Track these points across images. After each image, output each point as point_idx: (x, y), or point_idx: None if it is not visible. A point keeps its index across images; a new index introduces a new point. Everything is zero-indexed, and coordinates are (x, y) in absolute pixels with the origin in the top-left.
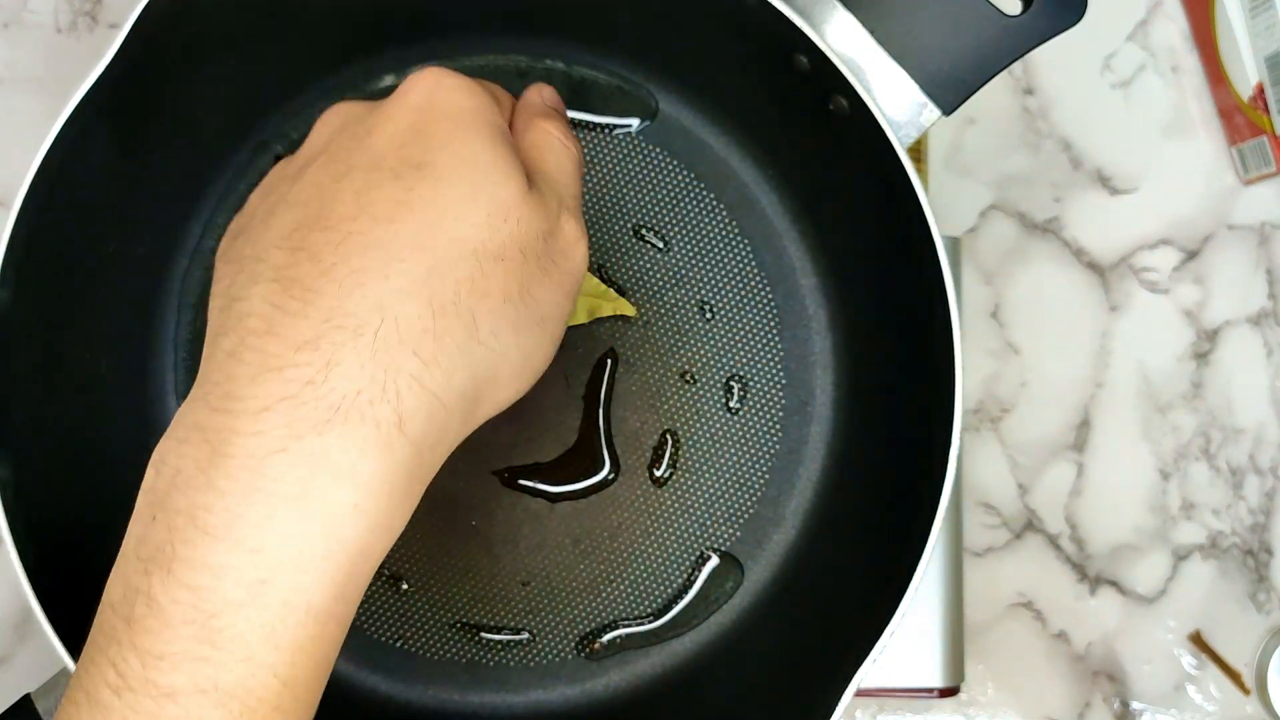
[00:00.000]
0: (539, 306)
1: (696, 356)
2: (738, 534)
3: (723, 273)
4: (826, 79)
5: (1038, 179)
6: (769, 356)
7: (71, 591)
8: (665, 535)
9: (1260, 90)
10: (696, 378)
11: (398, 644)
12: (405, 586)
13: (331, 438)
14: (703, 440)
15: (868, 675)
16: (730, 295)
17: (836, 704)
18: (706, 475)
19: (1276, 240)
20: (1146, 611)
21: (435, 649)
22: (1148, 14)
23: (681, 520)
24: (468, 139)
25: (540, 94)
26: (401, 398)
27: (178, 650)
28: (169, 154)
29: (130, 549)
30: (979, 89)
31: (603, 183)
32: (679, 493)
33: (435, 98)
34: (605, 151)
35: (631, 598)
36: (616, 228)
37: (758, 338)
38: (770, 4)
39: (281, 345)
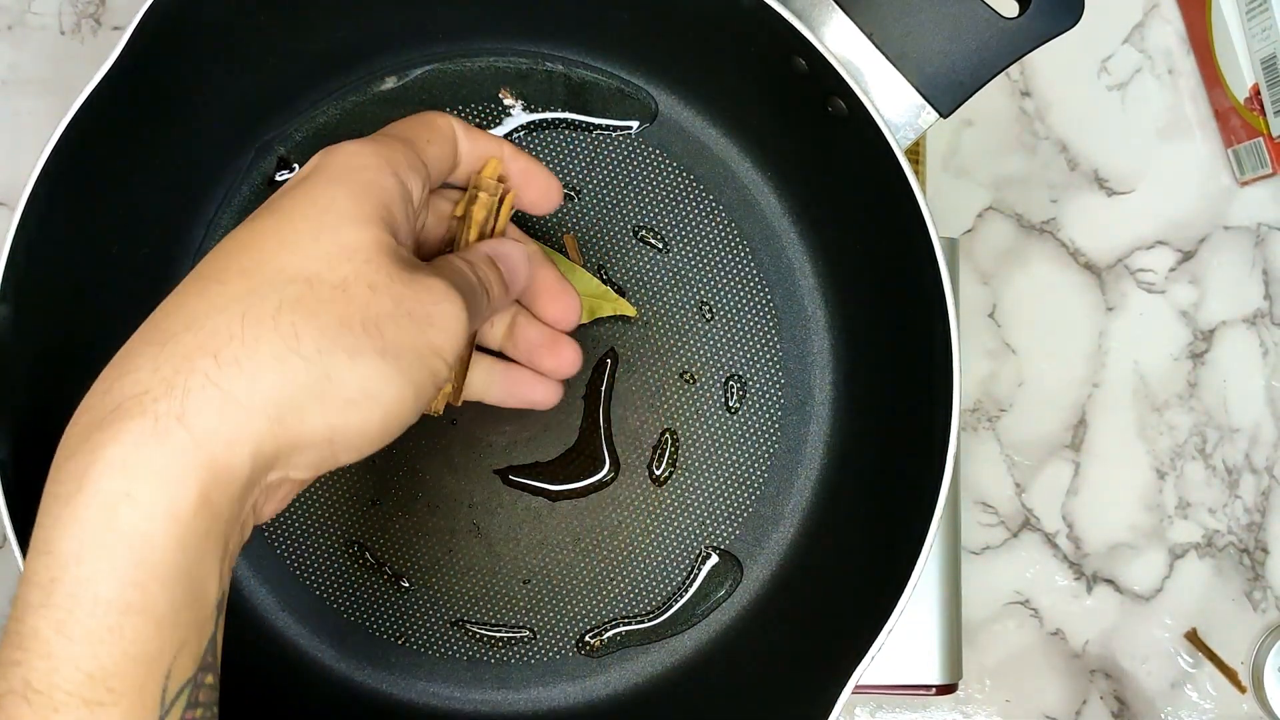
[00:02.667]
0: (385, 342)
1: (696, 356)
2: (737, 532)
3: (722, 273)
4: (825, 81)
5: (1035, 180)
6: (768, 356)
7: None
8: (665, 533)
9: (1256, 92)
10: (696, 377)
11: (399, 641)
12: (406, 584)
13: (108, 434)
14: (702, 439)
15: (866, 672)
16: (729, 296)
17: (835, 701)
18: (706, 474)
19: (1272, 241)
20: (1143, 610)
21: (436, 646)
22: (1144, 16)
23: (681, 519)
24: (327, 189)
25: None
26: (189, 394)
27: (2, 659)
28: (172, 155)
29: None
30: (976, 91)
31: (603, 184)
32: (678, 491)
33: (321, 160)
34: (605, 153)
35: (632, 595)
36: (616, 228)
37: (757, 338)
38: (769, 7)
39: (105, 372)
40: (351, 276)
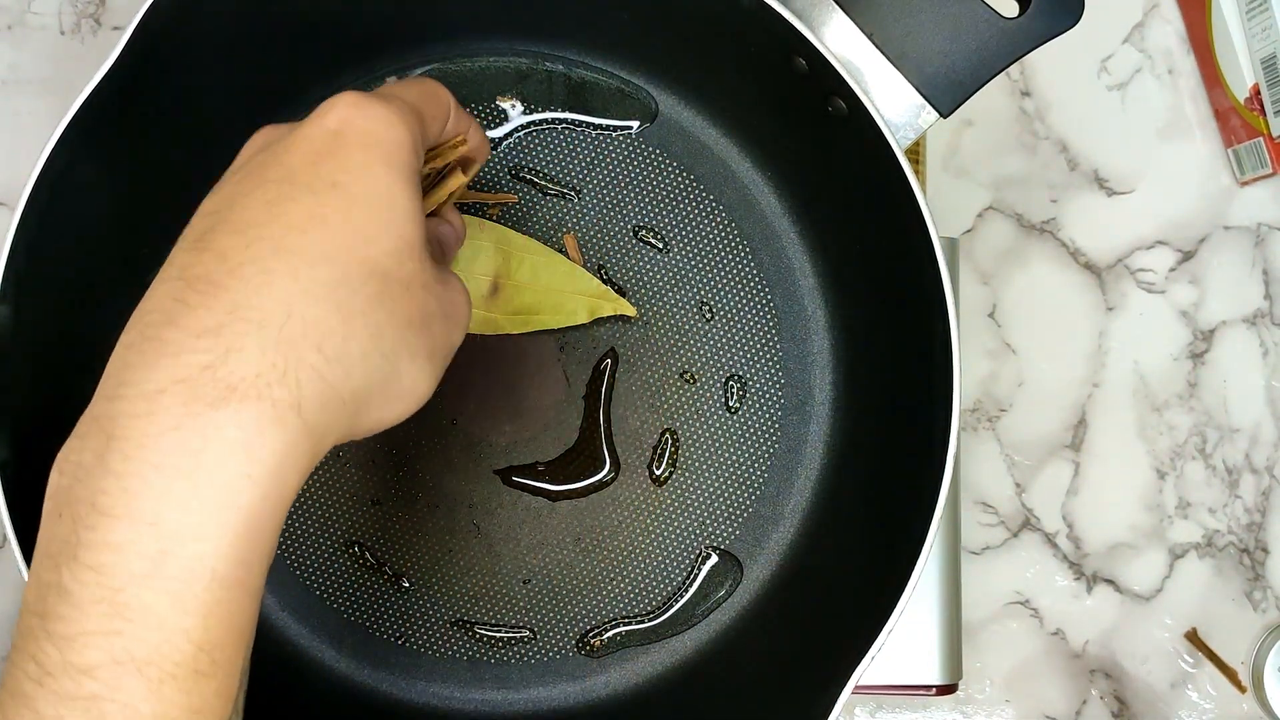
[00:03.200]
0: (433, 340)
1: (696, 356)
2: (737, 532)
3: (722, 273)
4: (825, 81)
5: (1035, 180)
6: (768, 356)
7: None
8: (665, 533)
9: (1256, 92)
10: (696, 377)
11: (399, 641)
12: (406, 584)
13: (226, 413)
14: (702, 439)
15: (866, 672)
16: (729, 296)
17: (835, 701)
18: (706, 474)
19: (1272, 241)
20: (1143, 610)
21: (436, 646)
22: (1144, 16)
23: (681, 518)
24: (383, 174)
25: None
26: (301, 385)
27: (91, 629)
28: (172, 155)
29: (40, 550)
30: (976, 91)
31: (603, 184)
32: (678, 491)
33: (353, 123)
34: (605, 153)
35: (632, 595)
36: (616, 228)
37: (757, 338)
38: (769, 7)
39: (180, 334)
40: (412, 274)
